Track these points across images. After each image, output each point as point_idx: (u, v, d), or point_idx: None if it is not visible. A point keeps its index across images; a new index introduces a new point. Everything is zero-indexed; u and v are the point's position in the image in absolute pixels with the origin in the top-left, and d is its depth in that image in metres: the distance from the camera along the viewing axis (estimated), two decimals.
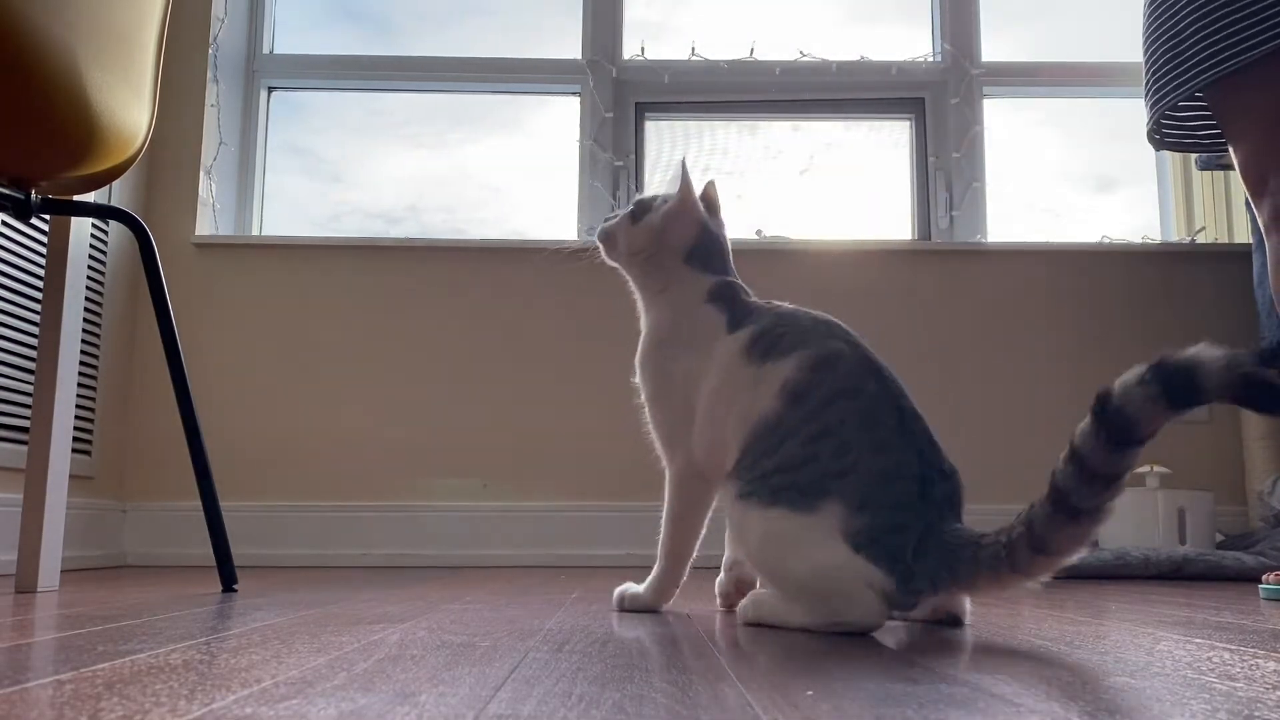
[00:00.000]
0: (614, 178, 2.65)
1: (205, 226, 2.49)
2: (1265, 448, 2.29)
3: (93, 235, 2.20)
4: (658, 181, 2.72)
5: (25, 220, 1.54)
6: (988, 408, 2.41)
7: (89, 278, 2.17)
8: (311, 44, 2.74)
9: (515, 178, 2.74)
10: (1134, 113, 2.76)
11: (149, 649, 0.74)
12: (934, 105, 2.72)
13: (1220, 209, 2.62)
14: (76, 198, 1.46)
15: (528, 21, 2.80)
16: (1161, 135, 1.51)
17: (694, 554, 1.13)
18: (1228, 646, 0.84)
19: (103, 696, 0.54)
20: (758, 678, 0.64)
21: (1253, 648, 0.83)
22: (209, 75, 2.52)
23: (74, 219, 1.46)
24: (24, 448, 1.66)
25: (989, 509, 2.36)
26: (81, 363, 2.11)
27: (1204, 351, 0.75)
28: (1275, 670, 0.69)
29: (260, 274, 2.45)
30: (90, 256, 2.18)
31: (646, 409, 1.16)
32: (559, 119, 2.75)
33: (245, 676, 0.62)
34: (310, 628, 0.91)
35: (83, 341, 2.14)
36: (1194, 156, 2.41)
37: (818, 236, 2.59)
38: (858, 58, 2.72)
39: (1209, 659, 0.75)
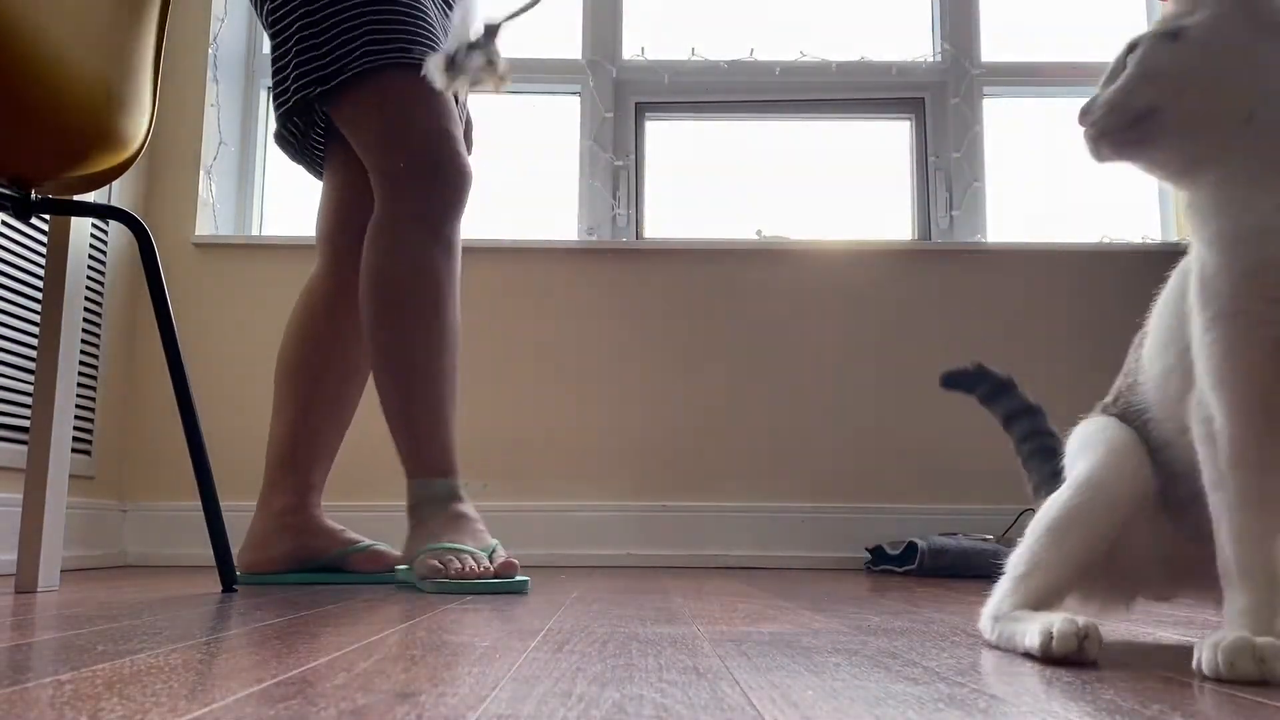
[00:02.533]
0: (614, 178, 2.65)
1: (205, 226, 2.49)
2: None
3: (93, 235, 2.20)
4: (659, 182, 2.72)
5: (25, 220, 1.54)
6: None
7: (89, 278, 2.17)
8: None
9: (514, 177, 2.73)
10: None
11: (149, 649, 0.74)
12: (934, 105, 2.72)
13: None
14: (76, 198, 1.45)
15: (526, 21, 2.80)
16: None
17: None
18: None
19: (103, 696, 0.54)
20: (758, 678, 0.64)
21: None
22: (209, 75, 2.52)
23: (74, 219, 1.46)
24: (24, 448, 1.66)
25: (989, 509, 2.37)
26: (81, 363, 2.11)
27: None
28: None
29: (260, 274, 2.45)
30: (90, 256, 2.18)
31: None
32: (559, 119, 2.75)
33: (245, 676, 0.62)
34: (310, 628, 0.91)
35: (83, 341, 2.13)
36: None
37: (818, 236, 2.59)
38: (858, 58, 2.72)
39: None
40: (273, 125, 1.73)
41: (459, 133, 1.59)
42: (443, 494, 1.51)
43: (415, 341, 1.52)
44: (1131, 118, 0.74)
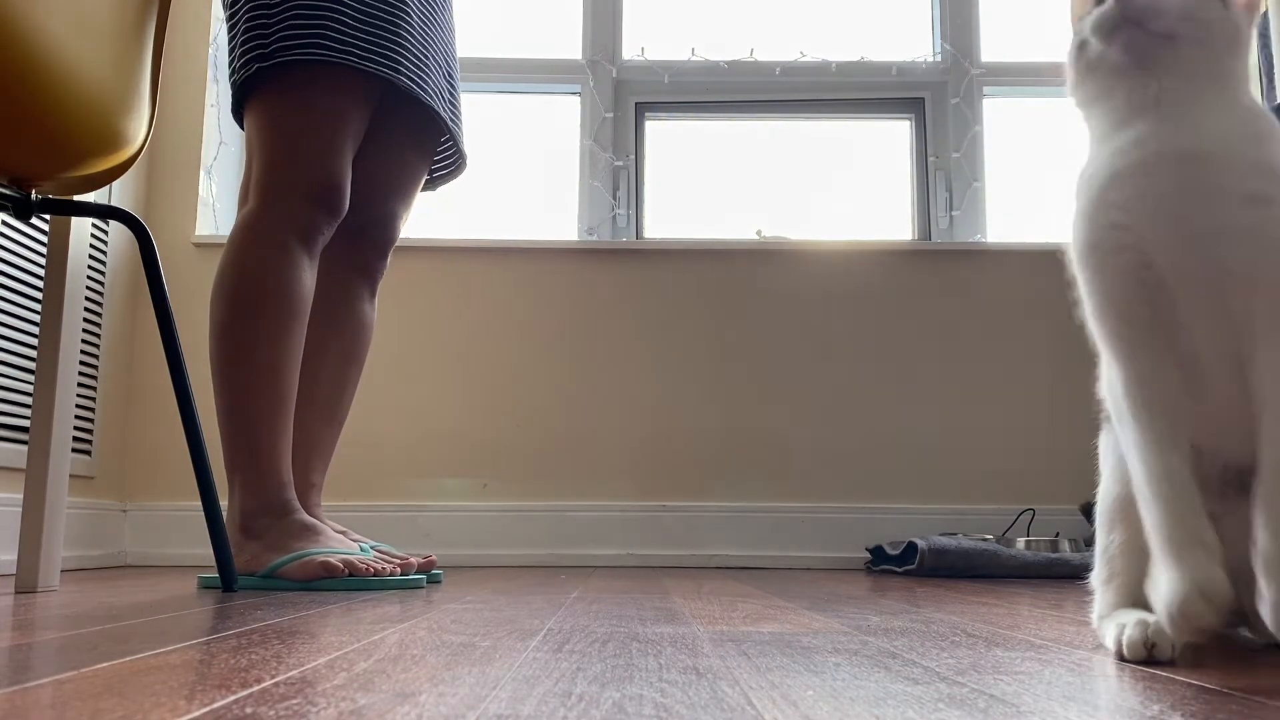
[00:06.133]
0: (614, 178, 2.65)
1: (205, 226, 2.49)
2: None
3: (93, 235, 2.20)
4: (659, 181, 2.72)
5: (25, 220, 1.54)
6: (987, 408, 2.41)
7: (89, 278, 2.17)
8: None
9: (515, 177, 2.74)
10: None
11: (149, 649, 0.74)
12: (934, 105, 2.72)
13: None
14: (76, 198, 1.45)
15: (527, 21, 2.80)
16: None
17: None
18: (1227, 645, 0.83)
19: (103, 696, 0.54)
20: (758, 678, 0.64)
21: (1251, 647, 0.83)
22: (209, 75, 2.52)
23: (74, 219, 1.46)
24: (24, 448, 1.66)
25: (988, 509, 2.37)
26: (81, 363, 2.11)
27: None
28: (1274, 669, 0.69)
29: None
30: (90, 256, 2.18)
31: None
32: (559, 119, 2.75)
33: (245, 676, 0.62)
34: (310, 628, 0.91)
35: (83, 341, 2.14)
36: None
37: (818, 236, 2.59)
38: (858, 58, 2.72)
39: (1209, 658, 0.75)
40: None
41: (348, 161, 1.55)
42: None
43: (260, 353, 1.47)
44: (1160, 31, 0.74)
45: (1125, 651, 0.72)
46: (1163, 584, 0.69)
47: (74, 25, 1.27)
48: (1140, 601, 0.80)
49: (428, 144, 1.72)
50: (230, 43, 1.56)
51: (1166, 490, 0.70)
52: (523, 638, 0.85)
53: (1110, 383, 0.74)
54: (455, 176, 1.84)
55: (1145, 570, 0.81)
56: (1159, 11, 0.74)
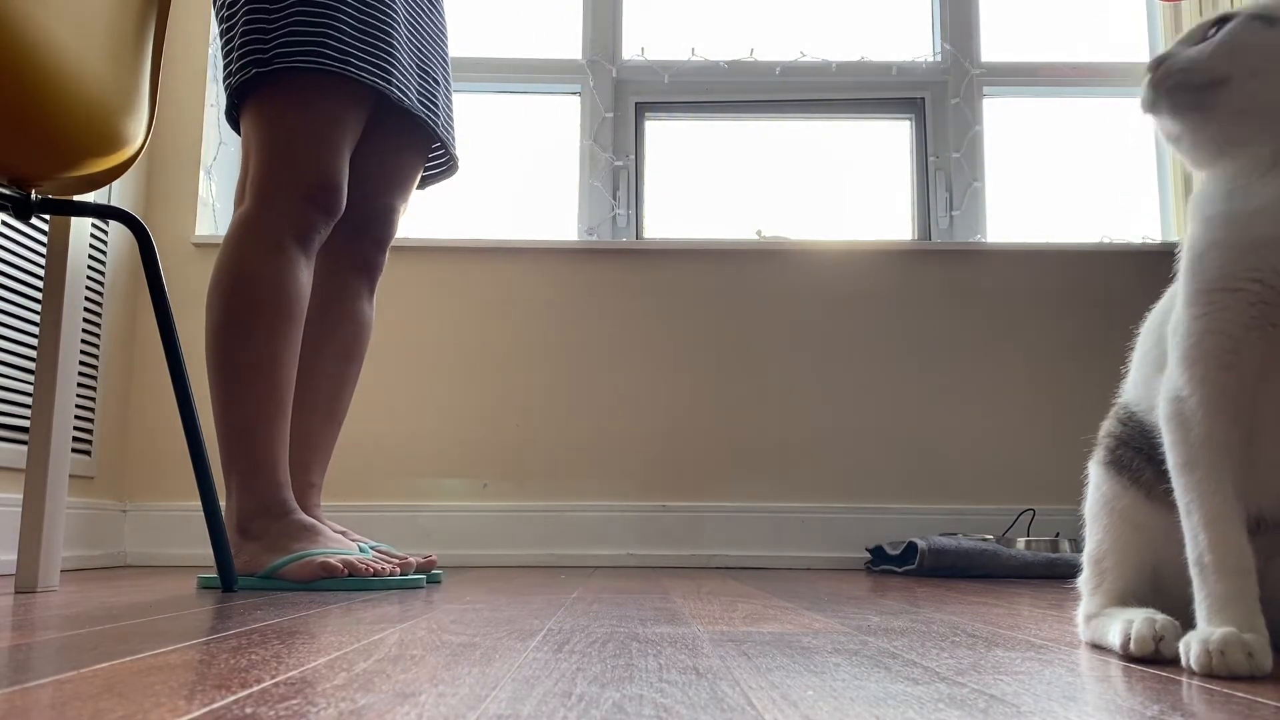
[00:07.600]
0: (614, 178, 2.65)
1: (205, 226, 2.49)
2: None
3: (93, 235, 2.20)
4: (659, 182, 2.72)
5: (25, 220, 1.54)
6: (988, 408, 2.41)
7: (89, 278, 2.17)
8: None
9: (514, 177, 2.73)
10: (1134, 112, 2.76)
11: (149, 649, 0.74)
12: (934, 105, 2.72)
13: None
14: (76, 198, 1.45)
15: (527, 21, 2.80)
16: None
17: None
18: None
19: (103, 696, 0.54)
20: (758, 678, 0.64)
21: None
22: (209, 75, 2.52)
23: (74, 219, 1.46)
24: (24, 448, 1.66)
25: (988, 509, 2.37)
26: (81, 363, 2.11)
27: None
28: (1274, 670, 0.69)
29: None
30: (90, 256, 2.18)
31: None
32: (559, 119, 2.75)
33: (245, 676, 0.62)
34: (310, 628, 0.91)
35: (83, 341, 2.14)
36: None
37: (818, 236, 2.59)
38: (858, 58, 2.72)
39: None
40: None
41: (345, 162, 1.55)
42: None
43: (260, 352, 1.47)
44: (1203, 80, 0.74)
45: (1132, 647, 0.72)
46: (1203, 619, 0.68)
47: (74, 25, 1.27)
48: (1131, 604, 0.80)
49: (422, 141, 1.73)
50: (225, 47, 1.56)
51: (1227, 533, 0.69)
52: (523, 638, 0.85)
53: (1181, 416, 0.72)
54: (447, 177, 1.84)
55: (1135, 574, 0.81)
56: (1189, 63, 0.74)
